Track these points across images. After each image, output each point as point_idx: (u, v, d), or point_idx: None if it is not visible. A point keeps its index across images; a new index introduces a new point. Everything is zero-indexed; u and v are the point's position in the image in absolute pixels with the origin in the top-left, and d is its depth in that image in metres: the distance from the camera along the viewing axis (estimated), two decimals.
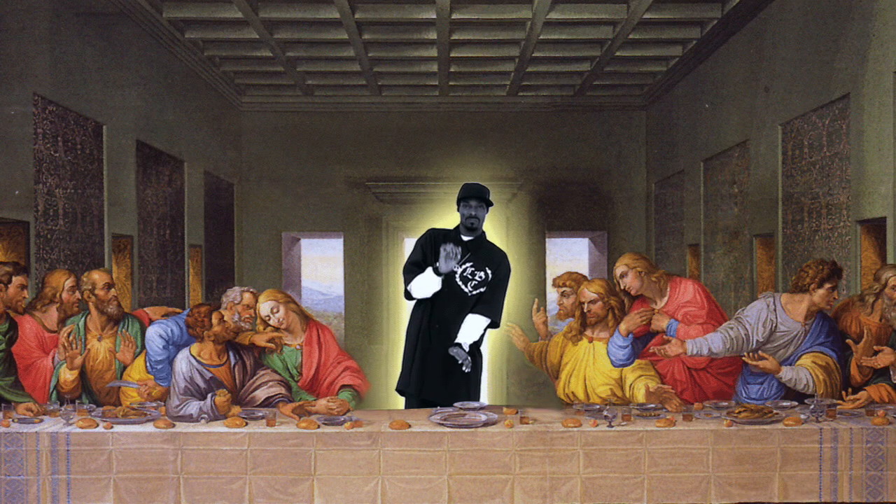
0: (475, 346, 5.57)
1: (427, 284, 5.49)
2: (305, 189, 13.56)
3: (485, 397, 5.68)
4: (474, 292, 5.56)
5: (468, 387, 5.53)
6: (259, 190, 13.55)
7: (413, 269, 5.55)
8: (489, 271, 5.59)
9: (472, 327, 5.52)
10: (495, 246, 5.70)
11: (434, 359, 5.53)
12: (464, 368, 5.48)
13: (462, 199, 5.58)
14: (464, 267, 5.56)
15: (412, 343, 5.60)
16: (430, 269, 5.49)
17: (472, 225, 5.57)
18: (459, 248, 5.48)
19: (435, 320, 5.53)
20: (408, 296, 5.59)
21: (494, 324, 5.60)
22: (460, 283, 5.55)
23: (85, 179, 8.33)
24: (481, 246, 5.63)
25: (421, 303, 5.58)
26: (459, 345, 5.48)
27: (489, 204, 5.61)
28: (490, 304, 5.57)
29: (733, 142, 9.93)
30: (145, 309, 5.62)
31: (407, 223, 13.63)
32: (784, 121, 8.58)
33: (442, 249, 5.45)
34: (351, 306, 13.69)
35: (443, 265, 5.45)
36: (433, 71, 11.69)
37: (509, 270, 5.68)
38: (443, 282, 5.50)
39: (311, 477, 4.52)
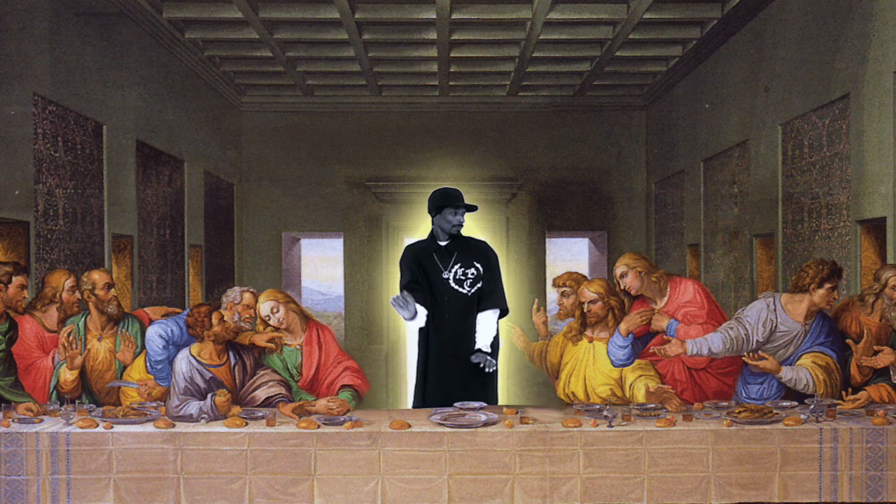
0: (493, 342, 5.55)
1: (412, 323, 5.50)
2: (305, 189, 13.56)
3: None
4: (472, 291, 5.55)
5: (486, 388, 5.49)
6: (259, 190, 13.55)
7: (411, 288, 5.48)
8: (478, 265, 5.57)
9: (486, 326, 5.51)
10: (473, 238, 5.67)
11: (452, 368, 5.48)
12: (487, 370, 5.45)
13: (446, 206, 5.52)
14: (453, 270, 5.54)
15: (422, 359, 5.56)
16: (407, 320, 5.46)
17: (458, 232, 5.56)
18: (404, 293, 5.39)
19: (444, 331, 5.49)
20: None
21: (504, 311, 5.59)
22: (456, 286, 5.53)
23: (85, 179, 8.33)
24: (462, 244, 5.60)
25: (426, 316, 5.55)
26: (479, 349, 5.46)
27: (471, 208, 5.59)
28: (492, 295, 5.55)
29: (733, 142, 9.92)
30: (145, 309, 5.62)
31: (407, 223, 13.61)
32: (784, 121, 8.57)
33: (392, 303, 5.37)
34: (351, 306, 13.68)
35: (404, 314, 5.40)
36: (433, 71, 11.69)
37: (496, 255, 5.67)
38: (440, 290, 5.49)
39: (311, 477, 4.52)
